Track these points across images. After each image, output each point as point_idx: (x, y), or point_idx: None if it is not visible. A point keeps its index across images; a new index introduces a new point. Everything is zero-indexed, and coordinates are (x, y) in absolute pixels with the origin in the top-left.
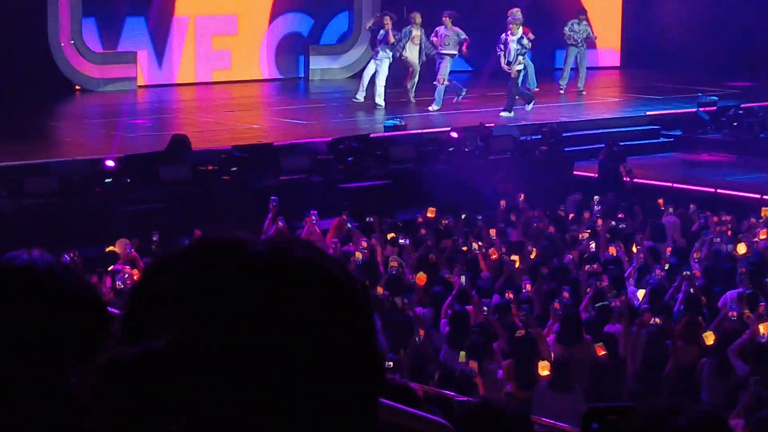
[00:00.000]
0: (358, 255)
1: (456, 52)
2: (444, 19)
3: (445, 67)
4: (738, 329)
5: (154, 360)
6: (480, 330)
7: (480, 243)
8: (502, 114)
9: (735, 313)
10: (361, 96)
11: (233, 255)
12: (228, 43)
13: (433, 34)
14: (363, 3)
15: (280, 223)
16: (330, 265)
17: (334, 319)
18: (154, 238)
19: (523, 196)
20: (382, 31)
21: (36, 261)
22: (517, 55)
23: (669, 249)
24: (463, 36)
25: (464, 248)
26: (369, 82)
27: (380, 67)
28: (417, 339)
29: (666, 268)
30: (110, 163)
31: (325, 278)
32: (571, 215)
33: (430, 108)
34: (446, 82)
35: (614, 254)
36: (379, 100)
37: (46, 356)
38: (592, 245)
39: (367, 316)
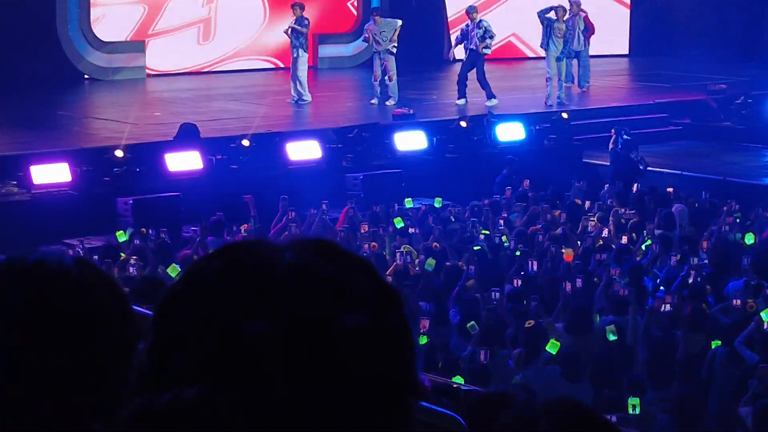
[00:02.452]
0: (367, 245)
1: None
2: (373, 17)
3: (391, 63)
4: (744, 319)
5: (188, 410)
6: (490, 318)
7: (487, 232)
8: (488, 104)
9: (739, 302)
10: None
11: (254, 295)
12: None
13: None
14: None
15: (292, 214)
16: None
17: (372, 344)
18: (163, 229)
19: (527, 182)
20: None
21: (49, 255)
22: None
23: (678, 237)
24: (399, 22)
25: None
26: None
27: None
28: (422, 330)
29: (676, 256)
30: (119, 153)
31: (362, 294)
32: (587, 203)
33: (387, 103)
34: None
35: (624, 242)
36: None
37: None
38: (604, 233)
39: (402, 330)
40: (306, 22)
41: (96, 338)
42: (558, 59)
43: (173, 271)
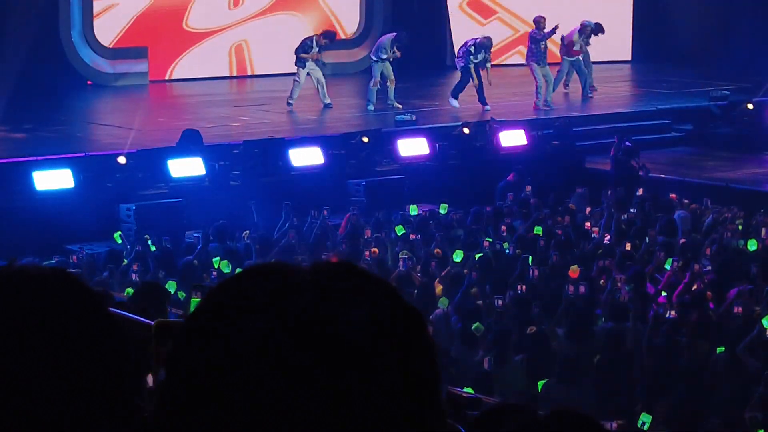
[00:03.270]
0: (369, 251)
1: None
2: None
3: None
4: (746, 326)
5: None
6: (494, 325)
7: (490, 239)
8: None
9: (740, 309)
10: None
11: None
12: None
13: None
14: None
15: (294, 220)
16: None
17: (401, 368)
18: (165, 238)
19: (529, 188)
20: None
21: (28, 268)
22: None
23: (680, 244)
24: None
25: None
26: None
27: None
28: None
29: (678, 263)
30: (122, 159)
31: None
32: (588, 209)
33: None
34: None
35: (626, 249)
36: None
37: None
38: (606, 239)
39: (428, 353)
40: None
41: (74, 346)
42: (543, 65)
43: (171, 286)
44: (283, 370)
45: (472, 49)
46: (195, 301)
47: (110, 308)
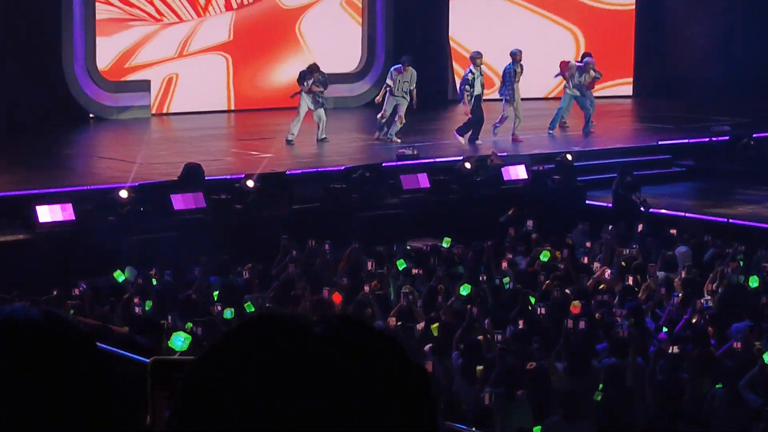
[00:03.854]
0: (369, 285)
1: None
2: (404, 66)
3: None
4: (747, 362)
5: None
6: (495, 361)
7: (490, 274)
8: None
9: (740, 345)
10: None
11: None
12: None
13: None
14: (377, 32)
15: (293, 253)
16: (386, 352)
17: (400, 422)
18: (167, 271)
19: (531, 223)
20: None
21: (17, 312)
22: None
23: (681, 279)
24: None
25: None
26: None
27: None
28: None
29: (679, 298)
30: (123, 194)
31: (387, 376)
32: (588, 243)
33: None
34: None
35: (627, 284)
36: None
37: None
38: (606, 274)
39: (428, 411)
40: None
41: (67, 388)
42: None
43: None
44: (287, 423)
45: (470, 77)
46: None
47: (107, 345)
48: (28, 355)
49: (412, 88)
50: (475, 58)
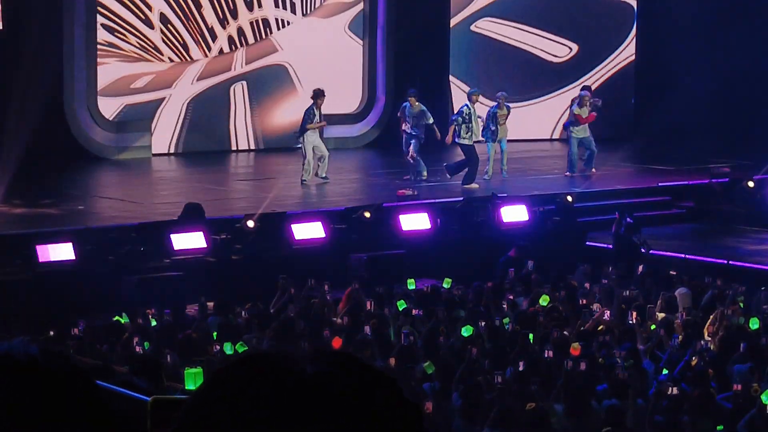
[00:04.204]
0: (369, 326)
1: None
2: (410, 99)
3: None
4: (747, 404)
5: None
6: (495, 402)
7: (490, 316)
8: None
9: (740, 387)
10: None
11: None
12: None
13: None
14: (378, 73)
15: (291, 291)
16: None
17: None
18: (166, 311)
19: (531, 263)
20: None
21: (15, 347)
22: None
23: (681, 321)
24: (431, 120)
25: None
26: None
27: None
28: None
29: (679, 340)
30: (125, 234)
31: (374, 409)
32: (587, 285)
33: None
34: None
35: (627, 325)
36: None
37: None
38: (606, 315)
39: None
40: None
41: (66, 425)
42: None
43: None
44: None
45: (465, 110)
46: (189, 372)
47: (107, 384)
48: (25, 392)
49: (427, 122)
50: (471, 95)
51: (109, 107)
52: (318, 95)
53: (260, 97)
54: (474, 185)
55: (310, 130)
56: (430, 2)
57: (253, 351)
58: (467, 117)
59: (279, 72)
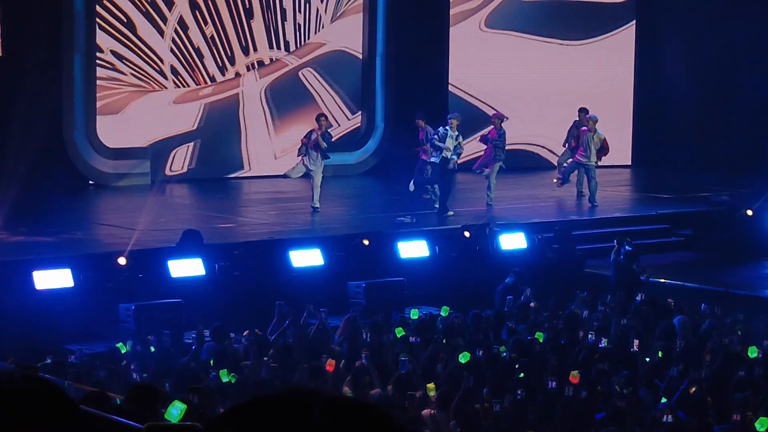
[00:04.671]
0: (367, 353)
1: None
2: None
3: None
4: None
5: None
6: (492, 430)
7: (488, 342)
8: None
9: (738, 417)
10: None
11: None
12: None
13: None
14: (376, 102)
15: (287, 320)
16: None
17: None
18: (165, 337)
19: (530, 291)
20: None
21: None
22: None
23: (679, 349)
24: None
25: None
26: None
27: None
28: None
29: (677, 368)
30: (122, 260)
31: None
32: (585, 312)
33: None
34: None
35: (625, 353)
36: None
37: None
38: (603, 343)
39: None
40: (330, 139)
41: None
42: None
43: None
44: None
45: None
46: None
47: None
48: (9, 418)
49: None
50: (452, 119)
51: (108, 134)
52: (319, 121)
53: (260, 125)
54: (450, 212)
55: (321, 156)
56: (429, 40)
57: (266, 394)
58: (442, 137)
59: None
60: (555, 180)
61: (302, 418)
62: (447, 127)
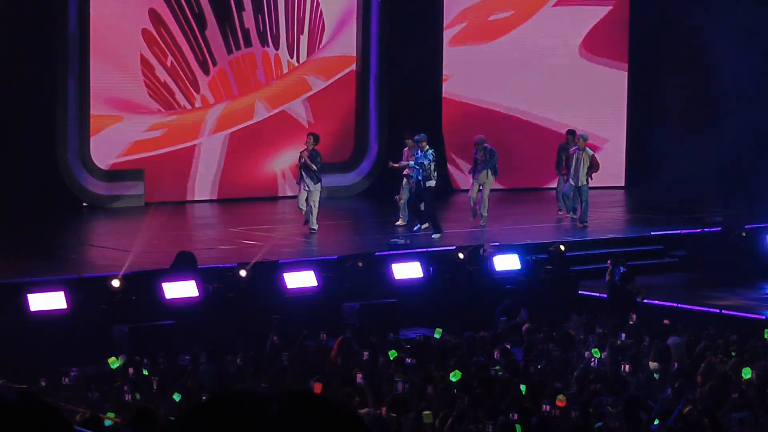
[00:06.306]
0: (361, 374)
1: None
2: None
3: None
4: None
5: None
6: None
7: (482, 363)
8: (435, 236)
9: None
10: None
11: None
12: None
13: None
14: (370, 120)
15: (275, 338)
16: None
17: None
18: (160, 359)
19: (524, 312)
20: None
21: None
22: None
23: (674, 370)
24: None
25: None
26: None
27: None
28: None
29: (672, 389)
30: (116, 283)
31: None
32: (581, 335)
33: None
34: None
35: (619, 374)
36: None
37: None
38: (593, 362)
39: None
40: (319, 158)
41: None
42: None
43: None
44: None
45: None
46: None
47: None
48: None
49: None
50: (420, 141)
51: (102, 156)
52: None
53: (252, 147)
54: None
55: (315, 176)
56: (423, 59)
57: (223, 392)
58: (429, 162)
59: (270, 122)
60: (559, 213)
61: (259, 414)
62: (429, 151)
